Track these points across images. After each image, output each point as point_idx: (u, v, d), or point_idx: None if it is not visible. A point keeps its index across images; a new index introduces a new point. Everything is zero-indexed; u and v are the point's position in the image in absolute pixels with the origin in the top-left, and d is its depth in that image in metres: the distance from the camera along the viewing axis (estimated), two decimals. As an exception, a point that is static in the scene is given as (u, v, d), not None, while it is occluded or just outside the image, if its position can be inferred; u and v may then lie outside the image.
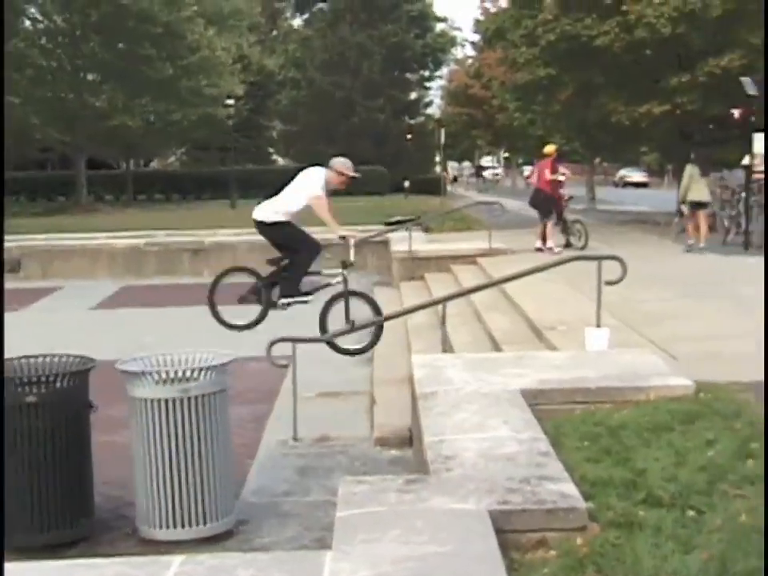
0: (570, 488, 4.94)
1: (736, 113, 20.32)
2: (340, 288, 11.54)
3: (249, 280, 11.99)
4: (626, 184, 74.59)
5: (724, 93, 22.83)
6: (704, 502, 4.98)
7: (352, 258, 11.47)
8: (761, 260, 17.25)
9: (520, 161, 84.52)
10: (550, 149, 19.98)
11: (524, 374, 7.50)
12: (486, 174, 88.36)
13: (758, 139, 19.90)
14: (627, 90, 25.12)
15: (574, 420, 6.60)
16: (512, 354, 8.83)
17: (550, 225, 19.69)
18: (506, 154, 78.81)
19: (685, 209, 20.41)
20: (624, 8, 22.83)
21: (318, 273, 11.86)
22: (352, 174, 11.41)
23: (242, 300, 11.70)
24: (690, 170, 20.06)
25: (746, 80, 19.88)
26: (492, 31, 28.50)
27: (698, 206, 19.82)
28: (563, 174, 19.85)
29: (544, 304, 12.03)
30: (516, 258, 17.39)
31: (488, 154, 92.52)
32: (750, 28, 22.05)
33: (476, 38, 52.61)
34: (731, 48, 22.80)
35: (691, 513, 4.85)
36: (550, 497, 4.80)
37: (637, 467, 5.52)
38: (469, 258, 18.09)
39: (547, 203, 19.70)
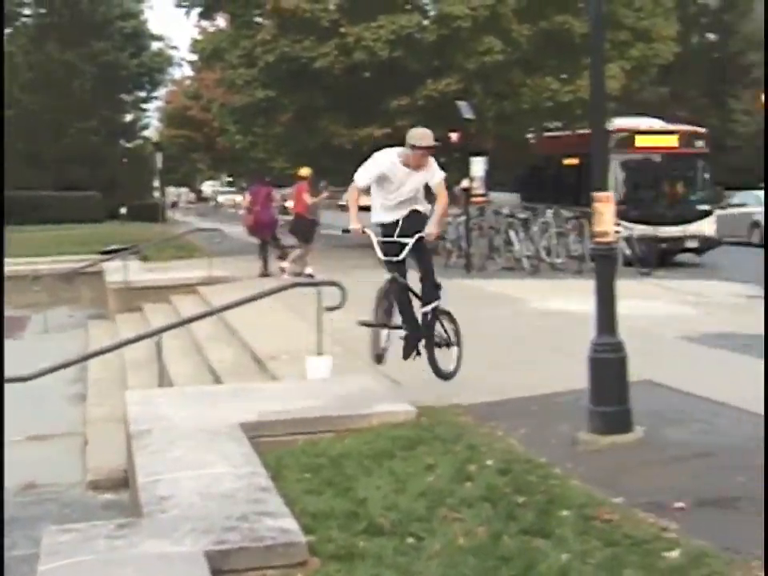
0: (290, 523, 4.98)
1: (454, 136, 21.18)
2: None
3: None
4: (352, 208, 75.96)
5: (443, 116, 23.77)
6: (424, 528, 5.14)
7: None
8: (481, 282, 18.11)
9: (243, 185, 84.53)
10: (306, 171, 19.99)
11: (245, 406, 7.50)
12: (221, 198, 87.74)
13: (476, 163, 20.88)
14: (348, 112, 25.65)
15: (296, 452, 6.67)
16: (232, 386, 8.82)
17: (304, 251, 19.73)
18: (230, 178, 78.79)
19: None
20: (342, 30, 23.37)
21: None
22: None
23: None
24: None
25: (461, 104, 20.78)
26: (209, 51, 28.37)
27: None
28: (319, 196, 20.06)
29: (267, 333, 12.09)
30: (239, 286, 17.38)
31: (210, 178, 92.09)
32: (466, 53, 23.11)
33: (194, 57, 52.39)
34: (448, 72, 23.81)
35: (411, 540, 5.00)
36: (269, 533, 4.81)
37: (358, 497, 5.63)
38: (189, 287, 17.93)
39: (309, 228, 19.75)
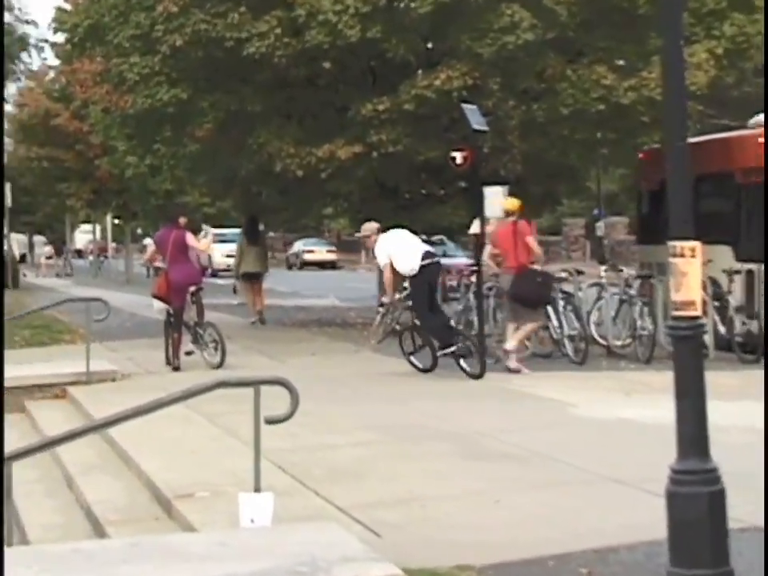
0: None
1: (458, 156, 20.89)
2: None
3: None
4: (306, 264, 76.37)
5: (442, 128, 23.85)
6: None
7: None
8: (502, 376, 18.10)
9: (140, 231, 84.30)
10: (514, 204, 19.68)
11: (141, 571, 7.47)
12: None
13: (492, 194, 20.34)
14: (299, 122, 25.75)
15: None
16: (124, 542, 8.78)
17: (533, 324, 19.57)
18: (117, 221, 78.59)
19: (238, 283, 31.99)
20: (288, -2, 23.42)
21: None
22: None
23: None
24: (240, 240, 30.40)
25: (469, 108, 20.43)
26: (84, 29, 28.14)
27: (250, 276, 29.58)
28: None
29: (176, 458, 12.06)
30: (132, 386, 17.35)
31: (87, 220, 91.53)
32: (476, 32, 22.93)
33: (60, 38, 52.12)
34: (449, 60, 23.75)
35: None
36: None
37: None
38: (55, 389, 17.86)
39: (543, 289, 19.40)
